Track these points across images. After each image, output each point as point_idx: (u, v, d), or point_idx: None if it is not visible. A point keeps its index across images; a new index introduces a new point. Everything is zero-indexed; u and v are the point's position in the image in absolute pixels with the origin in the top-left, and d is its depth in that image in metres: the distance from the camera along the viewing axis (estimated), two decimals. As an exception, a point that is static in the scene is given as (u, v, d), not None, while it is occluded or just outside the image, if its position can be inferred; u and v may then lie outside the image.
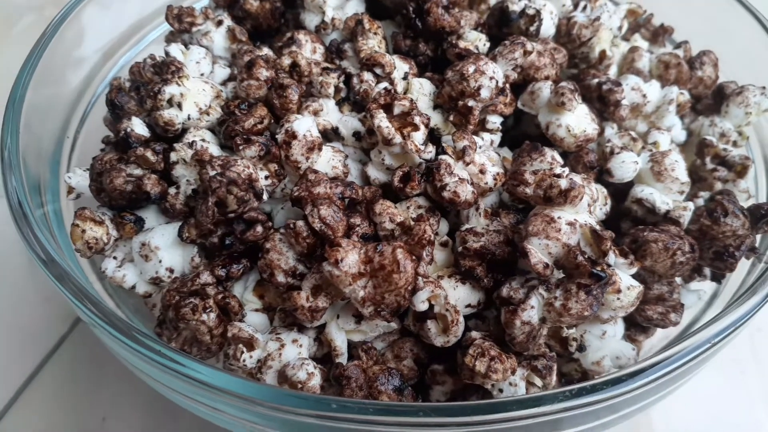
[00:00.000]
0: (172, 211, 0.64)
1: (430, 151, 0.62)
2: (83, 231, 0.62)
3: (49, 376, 0.88)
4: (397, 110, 0.64)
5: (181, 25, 0.78)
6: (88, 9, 0.84)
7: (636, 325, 0.65)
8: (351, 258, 0.53)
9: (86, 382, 0.87)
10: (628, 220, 0.66)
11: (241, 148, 0.61)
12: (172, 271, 0.63)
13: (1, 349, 0.90)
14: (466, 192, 0.59)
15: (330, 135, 0.70)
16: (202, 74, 0.73)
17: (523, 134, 0.75)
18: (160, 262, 0.62)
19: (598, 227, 0.55)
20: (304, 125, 0.63)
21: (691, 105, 0.77)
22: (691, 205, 0.63)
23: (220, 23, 0.80)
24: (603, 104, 0.71)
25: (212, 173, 0.59)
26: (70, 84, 0.85)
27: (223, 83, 0.76)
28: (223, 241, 0.61)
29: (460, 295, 0.58)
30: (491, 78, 0.65)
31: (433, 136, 0.69)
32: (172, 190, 0.64)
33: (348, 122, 0.69)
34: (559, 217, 0.55)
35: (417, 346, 0.62)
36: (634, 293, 0.56)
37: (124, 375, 0.85)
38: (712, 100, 0.79)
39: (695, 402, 0.80)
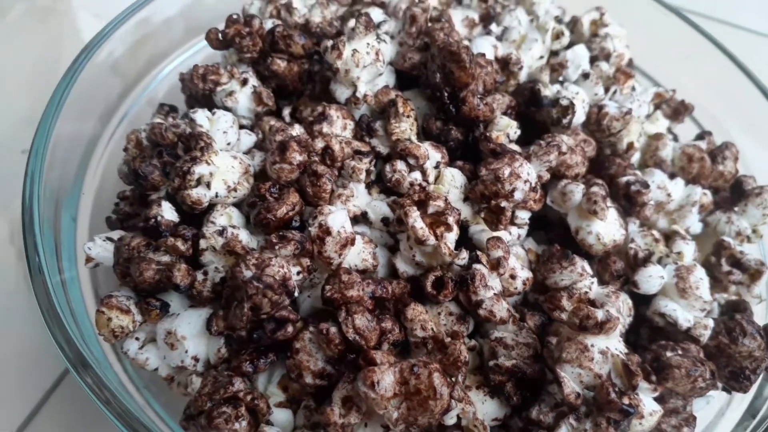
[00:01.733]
0: (199, 298, 0.64)
1: (464, 258, 0.63)
2: (109, 319, 0.61)
3: (48, 415, 0.86)
4: (431, 209, 0.64)
5: (206, 85, 0.76)
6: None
7: (648, 429, 0.67)
8: (387, 380, 0.54)
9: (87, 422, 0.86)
10: (648, 328, 0.68)
11: (277, 247, 0.60)
12: (197, 359, 0.63)
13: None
14: (501, 310, 0.59)
15: (358, 218, 0.69)
16: (228, 144, 0.72)
17: (543, 217, 0.76)
18: (186, 351, 0.62)
19: (628, 357, 0.57)
20: (338, 221, 0.63)
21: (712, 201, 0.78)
22: (711, 323, 0.65)
23: (245, 82, 0.78)
24: (629, 203, 0.71)
25: (248, 275, 0.58)
26: (84, 132, 0.82)
27: (249, 151, 0.74)
28: (251, 335, 0.61)
29: (488, 410, 0.59)
30: (525, 181, 0.65)
31: (462, 227, 0.69)
32: (199, 277, 0.63)
33: (377, 207, 0.69)
34: (592, 345, 0.56)
35: (438, 447, 0.63)
36: (656, 418, 0.58)
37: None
38: (730, 193, 0.80)
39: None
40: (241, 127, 0.77)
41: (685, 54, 0.97)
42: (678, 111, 0.89)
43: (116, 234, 0.70)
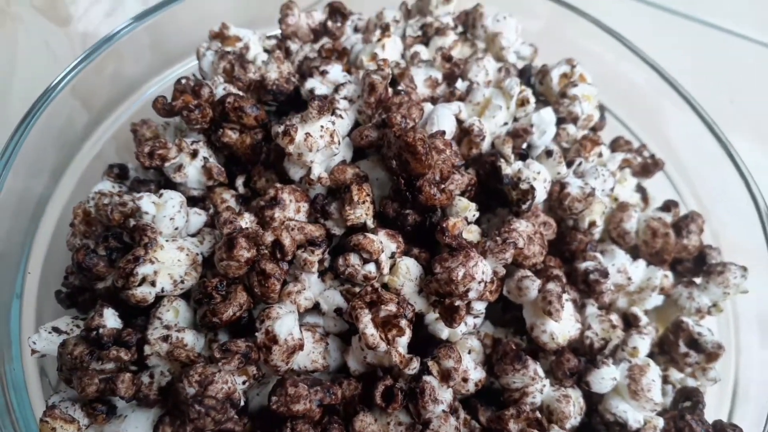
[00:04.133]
0: (146, 401, 0.62)
1: (414, 367, 0.61)
2: (53, 429, 0.60)
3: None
4: (382, 313, 0.62)
5: (153, 162, 0.72)
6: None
7: None
8: None
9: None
10: (598, 419, 0.68)
11: (221, 363, 0.59)
12: (144, 463, 0.62)
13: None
14: (449, 429, 0.59)
15: (310, 310, 0.68)
16: (176, 228, 0.69)
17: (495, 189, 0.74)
18: (133, 457, 0.61)
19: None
20: (285, 327, 0.61)
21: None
22: (661, 423, 0.65)
23: (194, 155, 0.74)
24: (588, 288, 0.70)
25: (191, 392, 0.57)
26: (34, 192, 0.79)
27: (199, 231, 0.72)
28: (199, 441, 0.61)
29: None
30: (480, 282, 0.64)
31: (418, 317, 0.68)
32: (146, 380, 0.62)
33: (329, 298, 0.67)
34: (537, 469, 0.56)
35: None
36: None
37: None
38: (693, 264, 0.79)
39: None
40: (191, 198, 0.75)
41: (658, 104, 0.94)
42: (647, 168, 0.87)
43: (63, 322, 0.68)
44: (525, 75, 0.87)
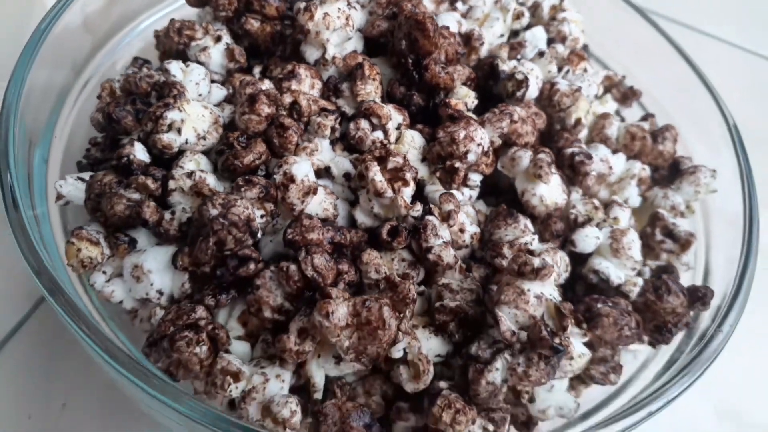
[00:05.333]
0: (166, 236, 0.67)
1: (417, 210, 0.67)
2: (78, 250, 0.64)
3: (7, 361, 0.88)
4: (390, 165, 0.68)
5: (181, 39, 0.79)
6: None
7: (578, 378, 0.73)
8: (340, 311, 0.58)
9: (46, 368, 0.89)
10: (583, 285, 0.73)
11: (243, 189, 0.64)
12: (161, 293, 0.66)
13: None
14: (449, 256, 0.64)
15: (321, 173, 0.73)
16: (200, 95, 0.75)
17: (495, 185, 0.81)
18: (152, 284, 0.65)
19: (560, 302, 0.62)
20: (302, 170, 0.67)
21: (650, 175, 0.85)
22: (640, 281, 0.71)
23: (218, 39, 0.81)
24: (573, 172, 0.77)
25: (214, 213, 0.62)
26: (57, 80, 0.84)
27: (219, 104, 0.78)
28: (214, 271, 0.65)
29: (432, 346, 0.64)
30: (479, 144, 0.70)
31: (419, 185, 0.74)
32: (167, 216, 0.67)
33: (340, 163, 0.73)
34: (528, 290, 0.61)
35: (386, 384, 0.67)
36: (584, 360, 0.64)
37: (85, 362, 0.87)
38: (668, 171, 0.87)
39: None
40: (213, 81, 0.81)
41: (639, 46, 1.03)
42: (626, 96, 0.95)
43: (87, 175, 0.73)
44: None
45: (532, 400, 0.67)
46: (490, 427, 0.64)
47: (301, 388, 0.66)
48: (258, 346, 0.67)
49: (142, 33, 0.97)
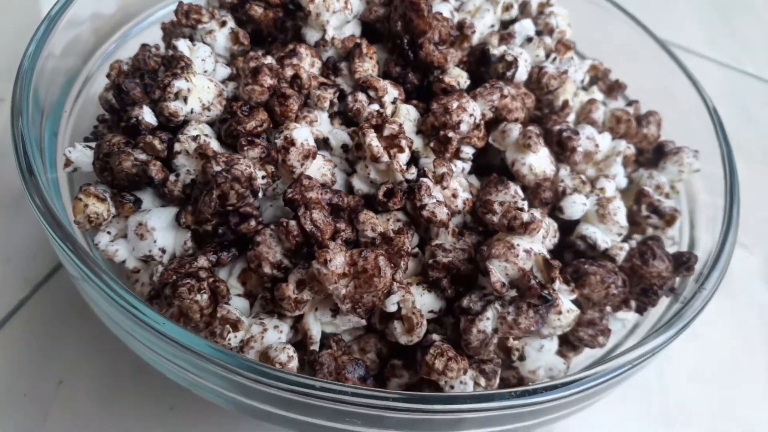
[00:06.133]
0: (170, 197, 0.69)
1: (412, 173, 0.70)
2: (86, 205, 0.67)
3: (5, 338, 0.90)
4: (386, 132, 0.71)
5: (188, 21, 0.83)
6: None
7: (568, 343, 0.75)
8: (338, 260, 0.61)
9: (43, 346, 0.90)
10: (571, 252, 0.76)
11: (245, 148, 0.67)
12: (164, 251, 0.68)
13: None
14: (442, 213, 0.67)
15: (320, 144, 0.77)
16: (205, 71, 0.79)
17: (487, 164, 0.84)
18: (155, 242, 0.68)
19: (549, 257, 0.65)
20: (302, 134, 0.70)
21: (635, 158, 0.88)
22: (626, 246, 0.74)
23: (223, 24, 0.85)
24: (561, 148, 0.81)
25: (217, 169, 0.65)
26: (69, 59, 0.88)
27: (223, 82, 0.81)
28: (216, 230, 0.68)
29: (425, 302, 0.67)
30: (471, 115, 0.74)
31: (414, 158, 0.77)
32: (172, 177, 0.70)
33: (338, 135, 0.76)
34: (518, 245, 0.64)
35: (381, 342, 0.69)
36: (572, 316, 0.66)
37: (82, 340, 0.89)
38: (652, 154, 0.91)
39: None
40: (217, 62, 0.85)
41: (625, 46, 1.08)
42: (612, 88, 1.00)
43: (95, 144, 0.76)
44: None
45: (522, 358, 0.69)
46: (482, 381, 0.66)
47: (298, 344, 0.68)
48: (257, 303, 0.69)
49: (150, 26, 1.01)
